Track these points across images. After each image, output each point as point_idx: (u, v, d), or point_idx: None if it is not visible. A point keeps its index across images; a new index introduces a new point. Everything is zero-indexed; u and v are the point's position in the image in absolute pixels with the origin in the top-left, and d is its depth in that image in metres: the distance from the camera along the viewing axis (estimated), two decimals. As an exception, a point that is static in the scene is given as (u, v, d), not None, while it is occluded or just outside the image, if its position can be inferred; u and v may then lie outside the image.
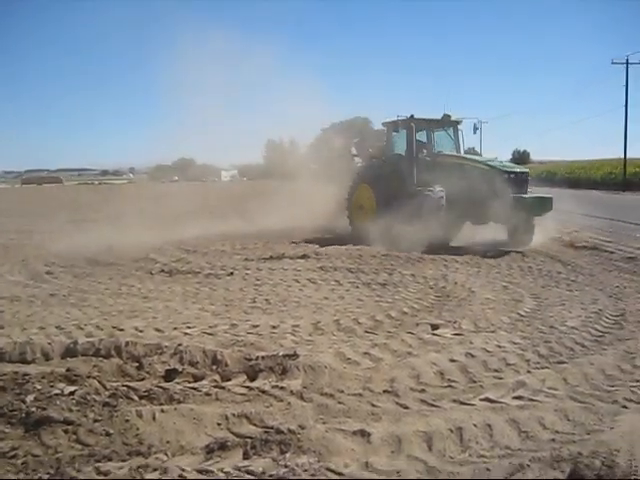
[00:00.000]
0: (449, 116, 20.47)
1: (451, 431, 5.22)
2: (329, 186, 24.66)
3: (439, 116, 20.60)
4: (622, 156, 63.83)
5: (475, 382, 6.51)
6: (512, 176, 17.47)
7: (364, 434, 5.09)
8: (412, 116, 19.90)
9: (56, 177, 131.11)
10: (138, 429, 5.14)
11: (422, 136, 20.55)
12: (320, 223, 22.53)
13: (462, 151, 20.66)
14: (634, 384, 6.43)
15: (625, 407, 5.84)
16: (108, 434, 5.09)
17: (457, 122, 20.73)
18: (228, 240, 19.86)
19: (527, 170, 18.44)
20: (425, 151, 20.04)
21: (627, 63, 62.18)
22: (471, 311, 9.63)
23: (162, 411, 5.36)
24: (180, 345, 7.35)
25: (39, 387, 5.98)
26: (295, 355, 6.84)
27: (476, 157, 20.04)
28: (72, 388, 5.91)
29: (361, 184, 20.63)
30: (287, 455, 4.70)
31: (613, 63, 63.31)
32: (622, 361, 7.17)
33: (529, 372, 6.79)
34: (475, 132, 21.13)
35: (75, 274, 14.05)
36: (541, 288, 11.57)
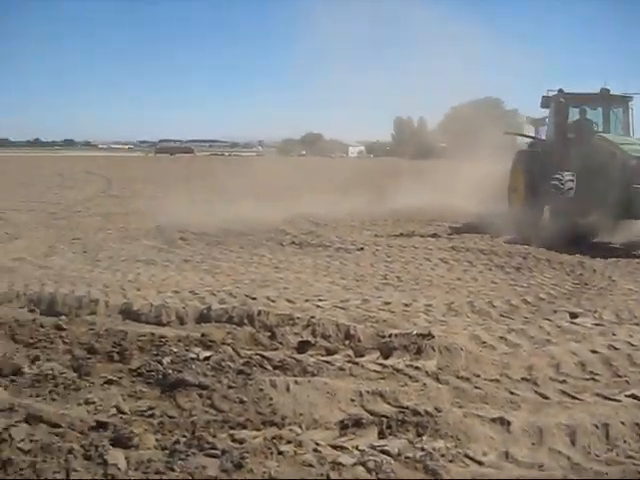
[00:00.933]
0: (607, 90, 17.32)
1: (596, 427, 4.89)
2: (462, 165, 24.14)
3: (595, 90, 17.53)
4: None
5: (620, 377, 6.11)
6: (638, 163, 14.37)
7: (503, 422, 4.85)
8: (560, 90, 16.90)
9: (188, 147, 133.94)
10: (272, 399, 5.08)
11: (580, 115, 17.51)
12: (454, 204, 21.98)
13: (632, 133, 17.36)
14: None
15: None
16: (242, 401, 5.06)
17: (625, 98, 17.63)
18: (357, 216, 19.76)
19: None
20: (577, 133, 16.80)
21: None
22: (612, 301, 9.15)
23: (296, 383, 5.29)
24: (313, 317, 7.29)
25: (175, 350, 6.06)
26: (430, 335, 6.64)
27: (617, 138, 16.06)
28: (207, 353, 5.95)
29: (516, 166, 18.45)
30: (424, 438, 4.53)
31: None
32: None
33: (680, 370, 6.36)
34: None
35: (207, 242, 14.34)
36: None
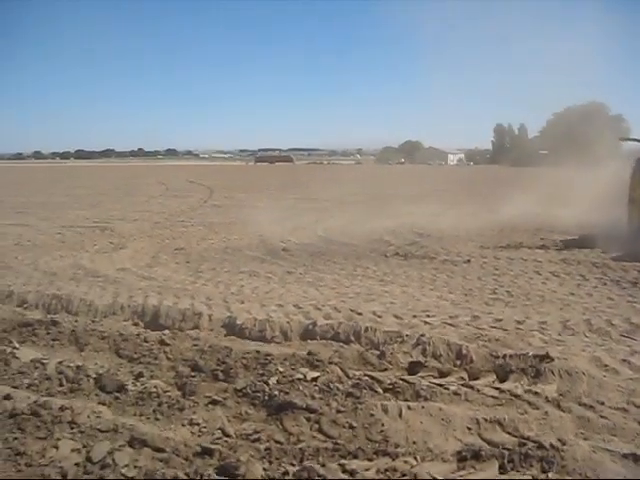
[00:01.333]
0: None
1: None
2: (565, 172, 23.30)
3: None
4: None
5: None
6: None
7: (637, 459, 4.45)
8: None
9: (287, 156, 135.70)
10: (383, 425, 4.81)
11: None
12: (560, 214, 21.21)
13: None
14: None
15: None
16: (352, 427, 4.81)
17: None
18: (461, 225, 19.29)
19: None
20: None
21: None
22: None
23: (409, 408, 5.01)
24: (423, 336, 6.98)
25: (281, 369, 5.87)
26: (548, 357, 6.24)
27: None
28: (314, 374, 5.74)
29: (636, 175, 16.46)
30: (549, 475, 4.18)
31: None
32: None
33: None
34: None
35: (310, 252, 14.19)
36: None
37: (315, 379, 5.61)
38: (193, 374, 5.90)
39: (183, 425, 4.87)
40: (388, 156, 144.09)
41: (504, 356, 6.42)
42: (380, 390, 5.52)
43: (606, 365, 6.47)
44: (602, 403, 5.51)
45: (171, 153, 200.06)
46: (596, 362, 6.52)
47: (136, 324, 8.19)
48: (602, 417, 5.22)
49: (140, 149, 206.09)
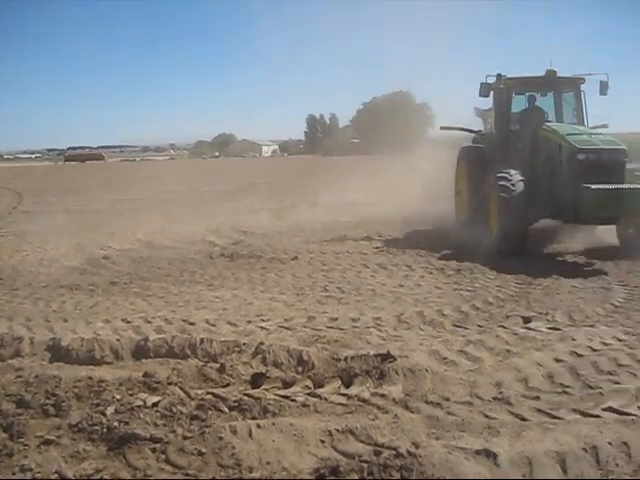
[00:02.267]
0: (554, 72, 14.73)
1: (585, 451, 4.57)
2: (378, 160, 23.88)
3: (540, 73, 14.94)
4: None
5: (592, 388, 5.84)
6: (587, 157, 12.36)
7: (489, 454, 4.48)
8: (499, 75, 14.71)
9: (98, 154, 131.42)
10: (234, 448, 4.56)
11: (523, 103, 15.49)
12: (376, 201, 21.72)
13: (586, 121, 14.85)
14: None
15: None
16: (201, 453, 4.53)
17: (576, 81, 15.07)
18: (283, 220, 19.30)
19: (620, 147, 12.54)
20: (522, 124, 14.89)
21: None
22: (561, 301, 8.97)
23: (258, 426, 4.78)
24: (262, 344, 6.79)
25: (118, 397, 5.47)
26: (390, 356, 6.23)
27: (565, 128, 13.63)
28: (154, 398, 5.38)
29: (459, 164, 16.33)
30: (410, 484, 4.12)
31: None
32: None
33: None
34: (604, 93, 14.63)
35: (132, 259, 13.61)
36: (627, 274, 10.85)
37: (156, 404, 5.26)
38: (20, 411, 5.35)
39: (14, 473, 4.40)
40: (202, 150, 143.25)
41: (346, 358, 6.36)
42: (226, 409, 5.26)
43: (445, 358, 6.57)
44: (447, 399, 5.56)
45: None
46: (435, 356, 6.60)
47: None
48: (450, 414, 5.26)
49: None
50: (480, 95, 14.74)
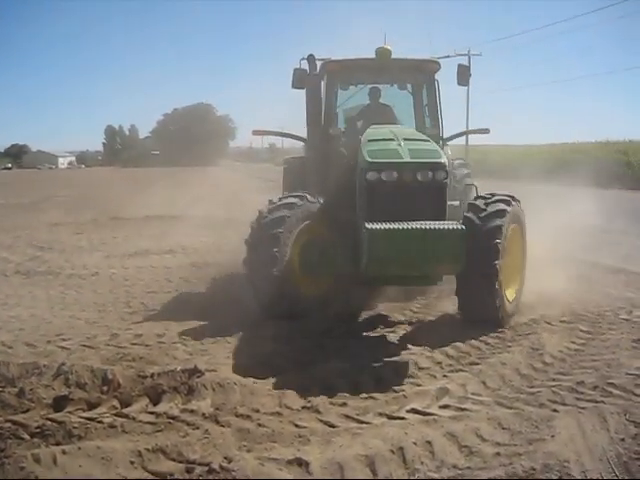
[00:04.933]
0: (387, 52, 10.36)
1: (392, 452, 4.74)
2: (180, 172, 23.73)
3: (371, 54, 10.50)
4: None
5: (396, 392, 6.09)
6: (379, 176, 8.06)
7: (301, 463, 4.54)
8: (311, 57, 10.28)
9: None
10: (37, 477, 4.31)
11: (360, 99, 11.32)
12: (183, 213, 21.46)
13: (441, 125, 10.53)
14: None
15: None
16: (0, 486, 4.25)
17: (426, 66, 10.72)
18: (84, 234, 18.65)
19: (436, 161, 8.13)
20: (348, 127, 10.95)
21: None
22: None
23: (63, 452, 4.54)
24: (63, 364, 6.45)
25: None
26: (197, 371, 6.13)
27: (378, 132, 9.09)
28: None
29: (286, 177, 11.59)
30: (225, 499, 4.07)
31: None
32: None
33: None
34: (463, 82, 10.70)
35: None
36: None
37: (-56, 436, 4.87)
38: None
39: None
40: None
41: (152, 375, 6.18)
42: (27, 436, 4.95)
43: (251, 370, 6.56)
44: (257, 411, 5.55)
45: None
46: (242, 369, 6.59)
47: None
48: (260, 425, 5.26)
49: None
50: (293, 86, 10.32)
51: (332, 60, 10.54)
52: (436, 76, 10.65)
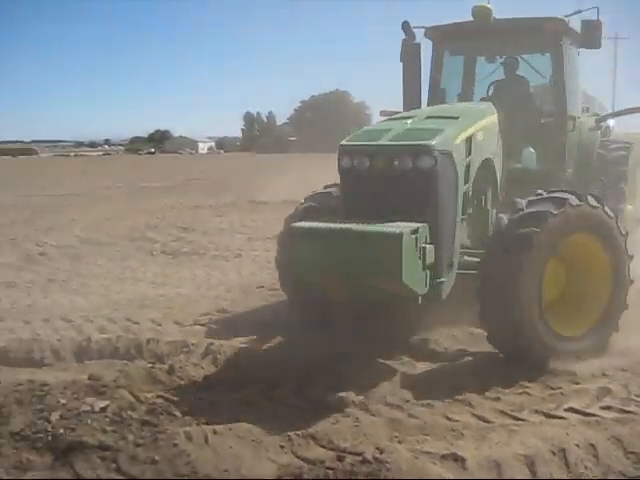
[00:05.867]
0: (487, 10, 8.31)
1: (553, 453, 4.46)
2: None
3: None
4: None
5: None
6: (351, 163, 6.34)
7: (456, 458, 4.34)
8: (406, 24, 8.38)
9: (30, 148, 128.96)
10: (189, 455, 4.29)
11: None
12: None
13: (574, 97, 8.48)
14: None
15: None
16: (154, 461, 4.26)
17: (546, 25, 8.21)
18: (225, 216, 18.99)
19: (420, 143, 6.01)
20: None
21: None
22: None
23: (214, 432, 4.52)
24: (212, 344, 6.55)
25: (63, 401, 5.14)
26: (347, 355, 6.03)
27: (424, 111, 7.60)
28: (102, 403, 5.07)
29: None
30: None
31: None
32: None
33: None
34: (592, 43, 8.28)
35: (70, 255, 13.14)
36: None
37: (104, 409, 4.97)
38: (-47, 418, 5.00)
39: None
40: (138, 146, 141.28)
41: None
42: (178, 413, 5.00)
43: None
44: (407, 401, 5.40)
45: None
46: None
47: None
48: (411, 416, 5.10)
49: None
50: (401, 60, 8.51)
51: (438, 26, 8.72)
52: (563, 41, 8.22)
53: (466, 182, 6.37)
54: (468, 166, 6.40)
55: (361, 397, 5.34)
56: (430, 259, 5.58)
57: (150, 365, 6.22)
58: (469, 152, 6.40)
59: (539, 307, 6.07)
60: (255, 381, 5.72)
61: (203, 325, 7.83)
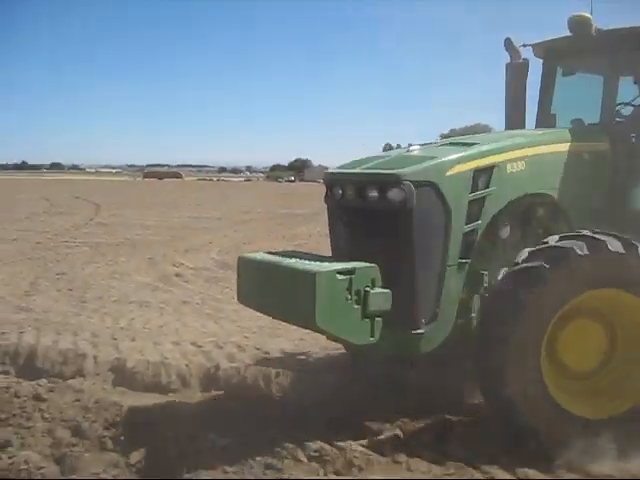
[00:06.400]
0: (585, 19, 6.46)
1: None
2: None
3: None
4: None
5: None
6: (332, 190, 5.71)
7: None
8: (508, 40, 7.07)
9: (176, 172, 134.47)
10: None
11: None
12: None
13: None
14: None
15: None
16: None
17: None
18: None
19: (387, 172, 5.22)
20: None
21: None
22: None
23: None
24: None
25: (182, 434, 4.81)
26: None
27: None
28: (224, 441, 4.70)
29: None
30: None
31: None
32: None
33: None
34: None
35: (205, 278, 13.12)
36: None
37: (226, 447, 4.61)
38: (74, 441, 4.78)
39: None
40: (278, 173, 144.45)
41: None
42: (304, 458, 4.53)
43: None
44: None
45: (56, 167, 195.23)
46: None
47: (6, 372, 6.86)
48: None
49: (24, 162, 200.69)
50: (507, 80, 7.19)
51: (545, 41, 7.13)
52: None
53: (471, 220, 5.33)
54: (478, 201, 5.37)
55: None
56: (382, 306, 4.70)
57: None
58: (482, 185, 5.37)
59: None
60: (389, 429, 5.26)
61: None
